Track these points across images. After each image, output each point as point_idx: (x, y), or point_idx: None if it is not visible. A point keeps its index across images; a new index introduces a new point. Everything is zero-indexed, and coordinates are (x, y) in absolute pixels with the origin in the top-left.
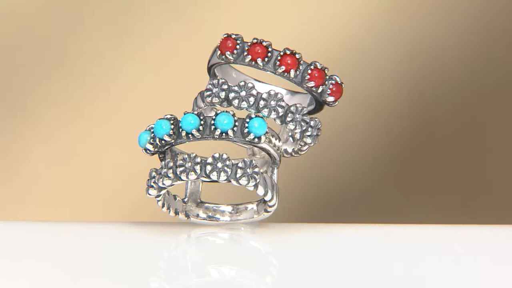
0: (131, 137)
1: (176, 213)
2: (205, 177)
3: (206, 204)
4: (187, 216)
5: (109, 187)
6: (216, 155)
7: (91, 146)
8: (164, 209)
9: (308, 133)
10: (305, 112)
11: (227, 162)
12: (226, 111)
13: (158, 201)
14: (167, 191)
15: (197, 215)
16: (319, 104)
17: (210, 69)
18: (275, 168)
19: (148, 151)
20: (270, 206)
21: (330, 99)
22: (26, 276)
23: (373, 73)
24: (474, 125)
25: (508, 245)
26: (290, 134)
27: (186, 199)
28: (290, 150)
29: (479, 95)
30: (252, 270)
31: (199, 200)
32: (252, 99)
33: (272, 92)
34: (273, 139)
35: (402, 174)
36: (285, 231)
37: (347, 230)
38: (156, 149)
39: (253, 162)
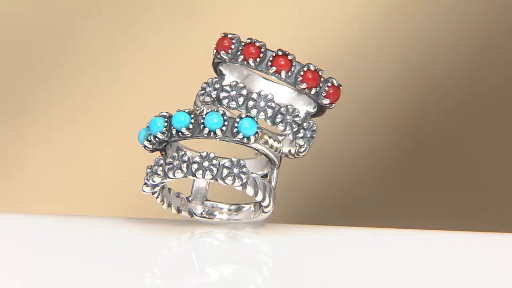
0: (131, 136)
1: (178, 211)
2: (191, 176)
3: (206, 203)
4: (191, 214)
5: (109, 186)
6: (204, 153)
7: (91, 145)
8: (165, 206)
9: (300, 135)
10: (297, 113)
11: (214, 161)
12: (217, 110)
13: (156, 198)
14: (168, 188)
15: (195, 213)
16: (320, 106)
17: (216, 68)
18: (275, 169)
19: (146, 148)
20: (265, 207)
21: (325, 101)
22: (23, 271)
23: (373, 74)
24: (474, 126)
25: (507, 253)
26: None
27: (191, 197)
28: (293, 151)
29: (479, 95)
30: (245, 270)
31: (204, 199)
32: (241, 99)
33: (262, 93)
34: (270, 140)
35: (402, 175)
36: (283, 232)
37: (346, 233)
38: (153, 146)
39: (241, 162)
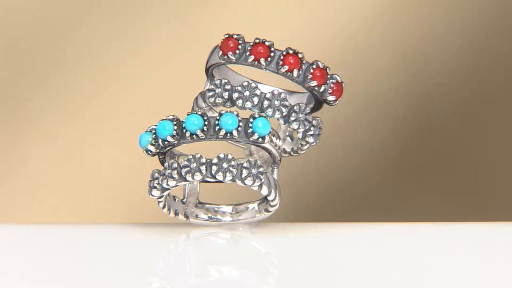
0: (131, 137)
1: (176, 214)
2: (210, 178)
3: (207, 205)
4: (187, 217)
5: (109, 187)
6: (221, 155)
7: (91, 147)
8: (165, 210)
9: (311, 133)
10: (308, 111)
11: (232, 163)
12: (230, 111)
13: (160, 202)
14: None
15: (197, 216)
16: (318, 103)
17: (208, 70)
18: (275, 167)
19: (149, 152)
20: (272, 206)
21: (331, 98)
22: (26, 278)
23: (373, 73)
24: (474, 125)
25: (504, 242)
26: (287, 133)
27: (185, 200)
28: (288, 150)
29: (479, 95)
30: (253, 270)
31: (197, 201)
32: (256, 99)
33: (275, 92)
34: (273, 139)
35: (402, 174)
36: (285, 230)
37: (347, 229)
38: (158, 150)
39: (258, 162)
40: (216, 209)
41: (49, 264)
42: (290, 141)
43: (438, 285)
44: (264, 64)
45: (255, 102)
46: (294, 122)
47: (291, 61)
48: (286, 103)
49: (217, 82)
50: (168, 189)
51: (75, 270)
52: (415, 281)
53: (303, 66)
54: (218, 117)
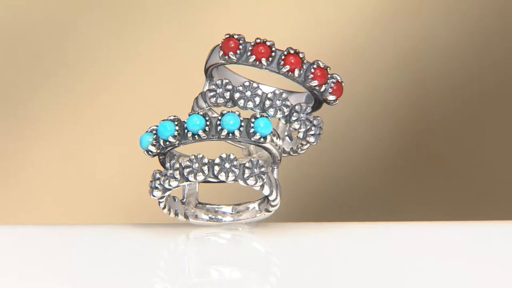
0: (131, 138)
1: (176, 214)
2: (212, 178)
3: (207, 206)
4: (187, 217)
5: (109, 188)
6: (223, 155)
7: (91, 147)
8: (165, 210)
9: (312, 132)
10: (309, 111)
11: (235, 163)
12: (232, 112)
13: (160, 202)
14: None
15: (197, 216)
16: (318, 103)
17: (208, 70)
18: (275, 167)
19: (150, 152)
20: (273, 206)
21: (331, 98)
22: (26, 278)
23: (373, 73)
24: (474, 125)
25: (504, 241)
26: (286, 133)
27: (184, 200)
28: (288, 149)
29: (479, 95)
30: (254, 270)
31: (197, 201)
32: (257, 99)
33: (277, 92)
34: (274, 138)
35: (402, 174)
36: (285, 230)
37: (347, 229)
38: (158, 151)
39: (260, 162)
40: (216, 209)
41: (49, 264)
42: (289, 140)
43: (438, 285)
44: (265, 64)
45: (257, 102)
46: (296, 122)
47: (292, 61)
48: (288, 103)
49: (218, 82)
50: (170, 189)
51: (75, 270)
52: (415, 281)
53: (304, 66)
54: (219, 117)
